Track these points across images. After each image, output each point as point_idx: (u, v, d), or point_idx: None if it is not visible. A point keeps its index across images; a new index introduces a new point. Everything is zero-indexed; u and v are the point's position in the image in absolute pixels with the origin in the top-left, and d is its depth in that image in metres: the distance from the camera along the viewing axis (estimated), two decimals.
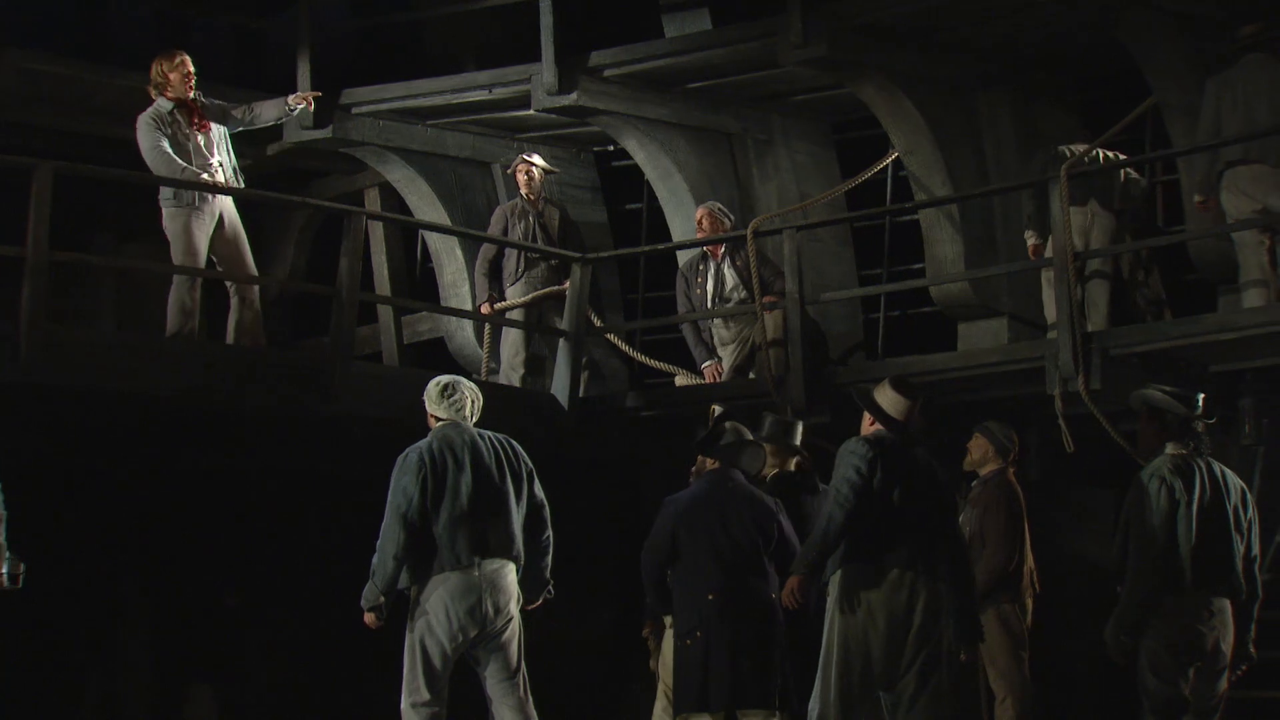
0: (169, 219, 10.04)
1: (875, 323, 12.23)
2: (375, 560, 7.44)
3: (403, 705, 7.51)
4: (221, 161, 10.19)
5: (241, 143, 10.68)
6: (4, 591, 7.60)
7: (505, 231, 11.61)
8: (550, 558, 7.74)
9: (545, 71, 11.49)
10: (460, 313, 12.21)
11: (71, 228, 11.23)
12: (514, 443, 7.72)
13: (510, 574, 7.54)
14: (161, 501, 10.97)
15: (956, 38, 10.84)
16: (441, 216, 12.57)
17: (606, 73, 11.58)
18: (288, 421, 10.22)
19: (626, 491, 11.27)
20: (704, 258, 11.37)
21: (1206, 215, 9.82)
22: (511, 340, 11.67)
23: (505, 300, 11.61)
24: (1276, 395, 9.86)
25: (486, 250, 11.69)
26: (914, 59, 10.88)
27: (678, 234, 11.99)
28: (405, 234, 13.52)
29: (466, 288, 12.40)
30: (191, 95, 10.11)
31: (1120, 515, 7.56)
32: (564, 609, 8.20)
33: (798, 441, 8.84)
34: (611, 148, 12.80)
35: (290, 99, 10.62)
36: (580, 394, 11.32)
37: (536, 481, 7.70)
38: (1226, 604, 7.44)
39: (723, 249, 11.28)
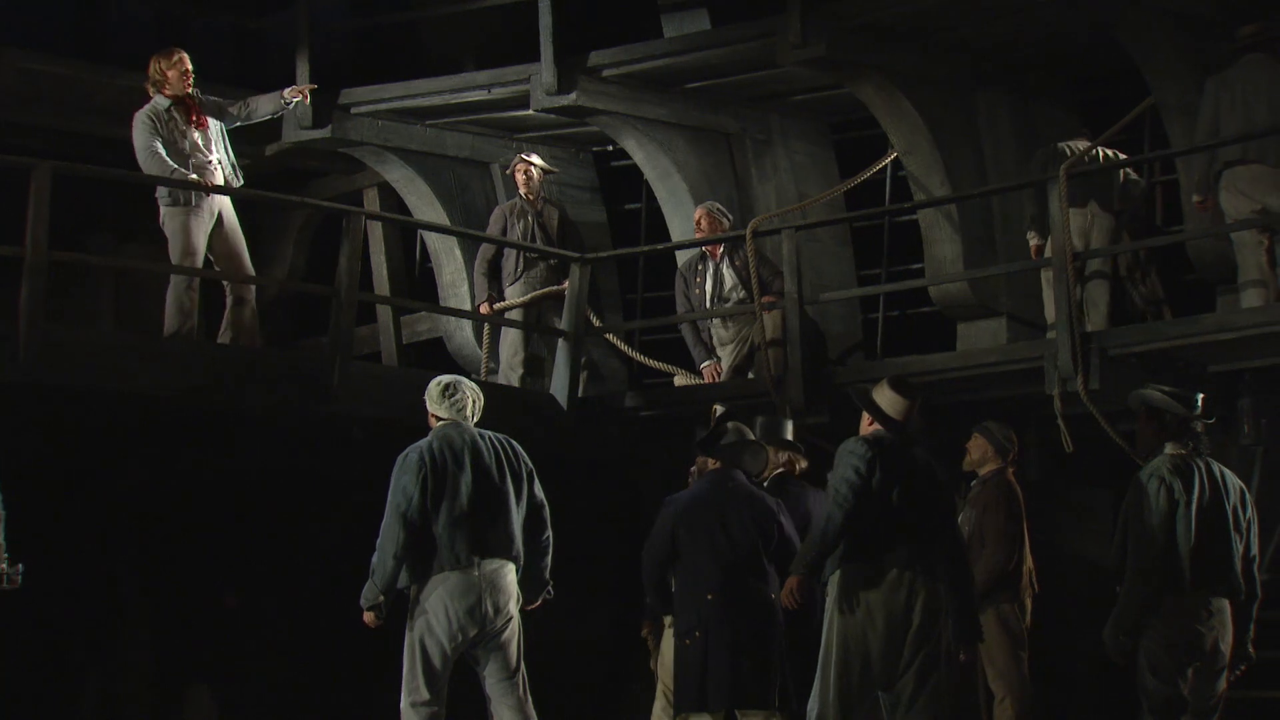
0: (167, 218, 10.05)
1: (874, 323, 12.23)
2: (375, 559, 7.45)
3: (402, 705, 7.51)
4: (220, 159, 10.21)
5: (241, 142, 10.69)
6: (1, 592, 7.60)
7: (504, 231, 11.61)
8: (550, 558, 7.75)
9: (544, 71, 11.50)
10: (459, 313, 12.21)
11: (70, 228, 11.23)
12: (514, 443, 7.73)
13: (510, 574, 7.54)
14: (161, 501, 10.95)
15: (956, 38, 10.84)
16: (440, 216, 12.58)
17: (605, 73, 11.59)
18: (287, 421, 10.22)
19: (625, 491, 11.27)
20: (703, 258, 11.37)
21: (1205, 215, 9.82)
22: (510, 340, 11.67)
23: (504, 300, 11.61)
24: (1275, 395, 9.86)
25: (485, 250, 11.69)
26: (913, 59, 10.89)
27: (676, 234, 11.99)
28: (404, 234, 13.52)
29: (465, 288, 12.40)
30: (189, 92, 10.12)
31: (1119, 515, 7.56)
32: (563, 609, 8.19)
33: (789, 436, 8.85)
34: (610, 148, 12.80)
35: (286, 92, 10.64)
36: (579, 394, 11.33)
37: (536, 482, 7.71)
38: (1225, 604, 7.45)
39: (721, 249, 11.29)
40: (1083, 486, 10.63)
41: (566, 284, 11.39)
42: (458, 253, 12.58)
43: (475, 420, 7.69)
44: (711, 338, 11.40)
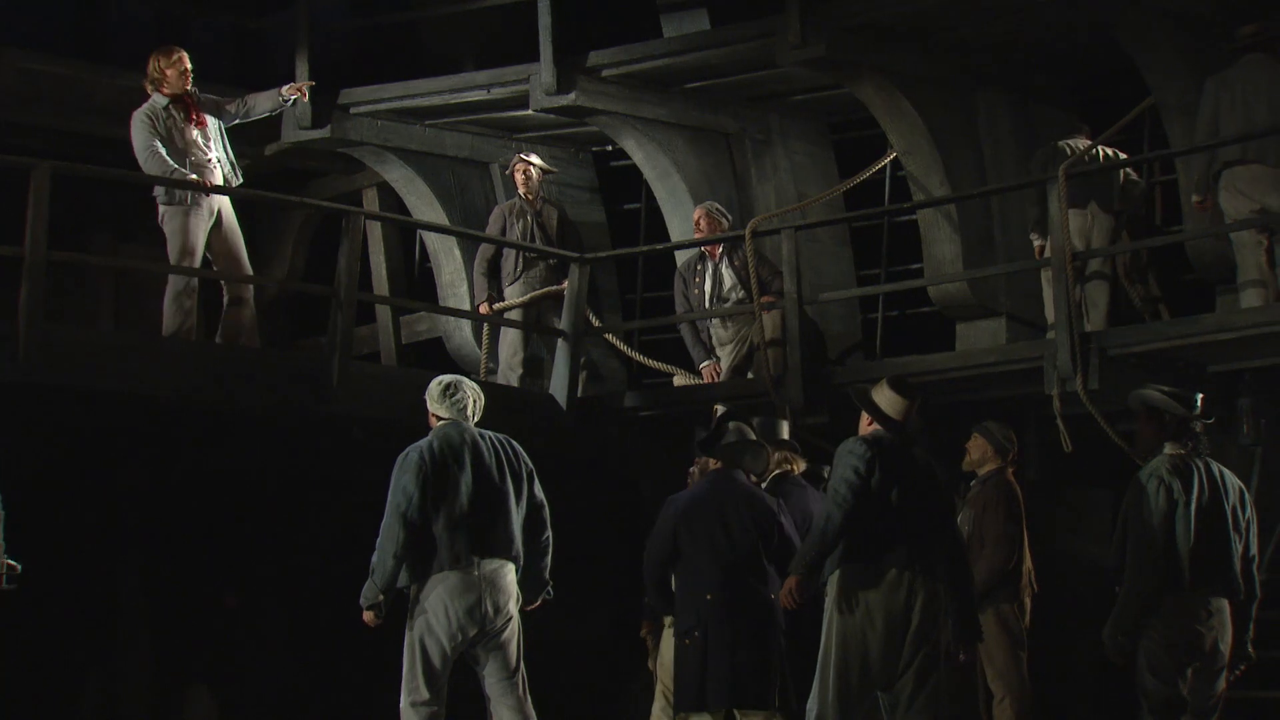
0: (166, 217, 10.05)
1: (873, 323, 12.23)
2: (375, 559, 7.44)
3: (402, 704, 7.51)
4: (219, 157, 10.20)
5: (240, 142, 10.69)
6: (1, 591, 7.60)
7: (503, 231, 11.61)
8: (549, 558, 7.75)
9: (543, 71, 11.50)
10: (458, 313, 12.21)
11: (70, 227, 11.25)
12: (514, 443, 7.73)
13: (509, 574, 7.54)
14: (161, 501, 10.97)
15: (956, 38, 10.84)
16: (440, 216, 12.58)
17: (605, 73, 11.59)
18: (287, 421, 10.22)
19: (625, 491, 11.26)
20: (702, 258, 11.37)
21: (1204, 215, 9.82)
22: (510, 340, 11.67)
23: (503, 300, 11.61)
24: (1275, 395, 9.86)
25: (485, 250, 11.69)
26: (912, 59, 10.89)
27: (676, 234, 12.00)
28: (403, 234, 13.52)
29: (465, 288, 12.40)
30: (188, 90, 10.12)
31: (1119, 515, 7.56)
32: (563, 609, 8.19)
33: (785, 435, 8.86)
34: (610, 148, 12.81)
35: (284, 90, 10.65)
36: (578, 394, 11.33)
37: (536, 482, 7.71)
38: (1225, 604, 7.45)
39: (721, 249, 11.29)
40: (1082, 486, 10.63)
41: (566, 284, 11.39)
42: (457, 253, 12.58)
43: (476, 420, 7.69)
44: (711, 338, 11.40)
